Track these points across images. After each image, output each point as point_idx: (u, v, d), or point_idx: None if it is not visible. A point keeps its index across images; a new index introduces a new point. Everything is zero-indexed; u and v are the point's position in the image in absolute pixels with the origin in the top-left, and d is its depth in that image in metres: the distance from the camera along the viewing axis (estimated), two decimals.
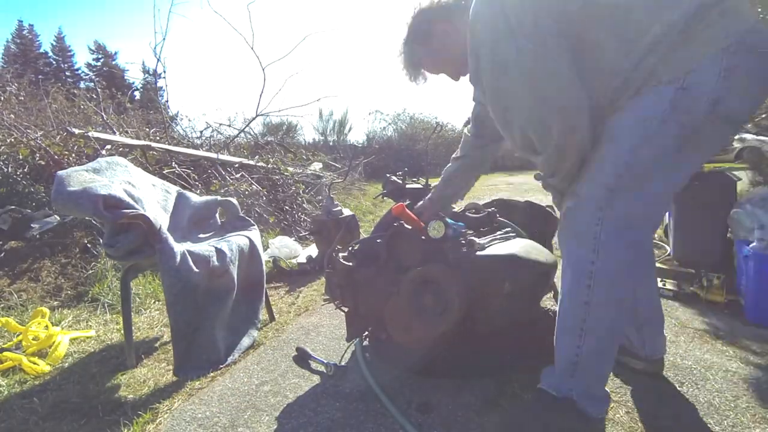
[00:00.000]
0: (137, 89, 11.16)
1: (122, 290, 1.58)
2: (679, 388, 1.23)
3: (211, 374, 1.49)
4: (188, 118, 12.87)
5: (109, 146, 3.34)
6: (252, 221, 2.02)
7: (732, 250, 2.04)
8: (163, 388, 1.42)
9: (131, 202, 1.52)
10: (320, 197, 4.78)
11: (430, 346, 1.27)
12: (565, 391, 1.00)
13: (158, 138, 4.42)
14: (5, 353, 1.62)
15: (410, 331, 1.23)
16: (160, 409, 1.29)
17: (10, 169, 3.00)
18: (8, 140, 3.27)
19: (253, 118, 5.66)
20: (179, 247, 1.52)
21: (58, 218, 2.76)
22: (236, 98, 16.68)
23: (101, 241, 2.43)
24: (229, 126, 6.16)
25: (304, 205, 4.44)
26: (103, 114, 4.39)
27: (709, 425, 1.08)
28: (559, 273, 1.10)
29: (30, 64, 23.95)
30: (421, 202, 1.56)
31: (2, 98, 4.27)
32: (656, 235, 2.89)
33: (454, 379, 1.32)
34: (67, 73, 28.31)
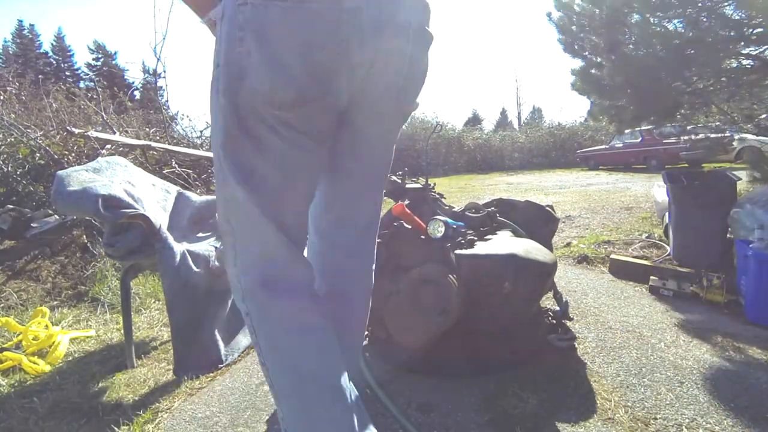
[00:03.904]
0: (137, 89, 11.16)
1: (122, 290, 1.58)
2: (679, 388, 1.24)
3: (211, 374, 1.49)
4: (188, 117, 12.88)
5: (109, 146, 3.34)
6: None
7: (732, 250, 2.04)
8: (162, 387, 1.42)
9: (131, 201, 1.52)
10: None
11: (430, 346, 1.27)
12: None
13: (158, 138, 4.42)
14: (5, 353, 1.62)
15: (410, 330, 1.23)
16: (160, 409, 1.29)
17: (10, 169, 3.00)
18: (8, 140, 3.27)
19: None
20: (179, 247, 1.52)
21: (58, 218, 2.76)
22: None
23: (101, 240, 2.42)
24: None
25: None
26: (103, 114, 4.39)
27: (709, 425, 1.08)
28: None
29: (30, 64, 23.94)
30: None
31: (3, 97, 4.27)
32: (656, 235, 2.90)
33: (454, 379, 1.32)
34: (67, 73, 28.30)
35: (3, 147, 3.18)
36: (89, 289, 2.34)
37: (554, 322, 1.51)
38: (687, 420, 1.10)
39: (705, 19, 2.36)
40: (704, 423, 1.08)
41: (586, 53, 3.05)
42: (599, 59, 2.96)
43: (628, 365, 1.38)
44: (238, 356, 1.62)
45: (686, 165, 8.22)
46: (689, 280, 2.01)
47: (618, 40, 2.72)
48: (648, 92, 2.68)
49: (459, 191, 7.44)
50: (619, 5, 2.57)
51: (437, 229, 1.28)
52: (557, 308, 1.53)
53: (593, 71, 3.04)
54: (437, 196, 1.77)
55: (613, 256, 2.44)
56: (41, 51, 28.89)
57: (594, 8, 2.73)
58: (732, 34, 2.30)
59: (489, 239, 1.42)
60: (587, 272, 2.39)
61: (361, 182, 0.95)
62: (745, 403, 1.16)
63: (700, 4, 2.32)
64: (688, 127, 3.76)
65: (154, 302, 2.25)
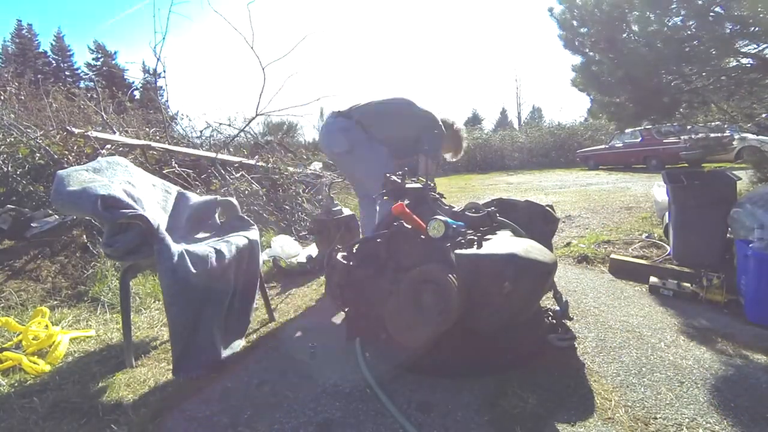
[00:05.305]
0: (137, 89, 11.15)
1: (121, 290, 1.58)
2: (679, 388, 1.24)
3: (212, 374, 1.49)
4: (188, 117, 12.90)
5: (109, 146, 3.34)
6: (251, 221, 2.02)
7: (732, 250, 2.04)
8: (163, 387, 1.42)
9: (130, 202, 1.52)
10: (320, 197, 4.78)
11: (430, 346, 1.27)
12: None
13: (158, 138, 4.42)
14: (5, 353, 1.62)
15: (410, 330, 1.23)
16: (160, 409, 1.29)
17: (10, 169, 3.00)
18: (8, 140, 3.26)
19: (253, 118, 5.66)
20: (177, 247, 1.51)
21: (58, 218, 2.76)
22: (236, 98, 16.71)
23: (101, 240, 2.42)
24: (229, 126, 6.16)
25: (304, 205, 4.44)
26: (103, 113, 4.39)
27: (709, 425, 1.08)
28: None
29: (29, 64, 23.91)
30: None
31: (2, 97, 4.27)
32: (656, 235, 2.90)
33: (454, 379, 1.32)
34: (67, 73, 28.28)
35: (3, 147, 3.17)
36: (89, 289, 2.34)
37: (554, 322, 1.51)
38: (687, 420, 1.10)
39: (703, 16, 2.36)
40: (704, 423, 1.09)
41: (587, 50, 3.05)
42: (599, 56, 2.96)
43: (628, 365, 1.38)
44: (238, 356, 1.62)
45: (686, 165, 8.21)
46: (689, 279, 2.01)
47: (617, 36, 2.72)
48: (647, 89, 2.68)
49: (459, 191, 7.44)
50: (619, 2, 2.57)
51: (437, 229, 1.28)
52: (557, 308, 1.53)
53: (593, 68, 3.04)
54: (437, 195, 1.77)
55: (613, 255, 2.44)
56: (40, 50, 28.86)
57: (594, 5, 2.73)
58: (728, 32, 2.30)
59: (489, 239, 1.42)
60: (587, 272, 2.39)
61: None
62: (745, 403, 1.16)
63: (699, 2, 2.31)
64: (688, 127, 3.76)
65: (154, 302, 2.25)
